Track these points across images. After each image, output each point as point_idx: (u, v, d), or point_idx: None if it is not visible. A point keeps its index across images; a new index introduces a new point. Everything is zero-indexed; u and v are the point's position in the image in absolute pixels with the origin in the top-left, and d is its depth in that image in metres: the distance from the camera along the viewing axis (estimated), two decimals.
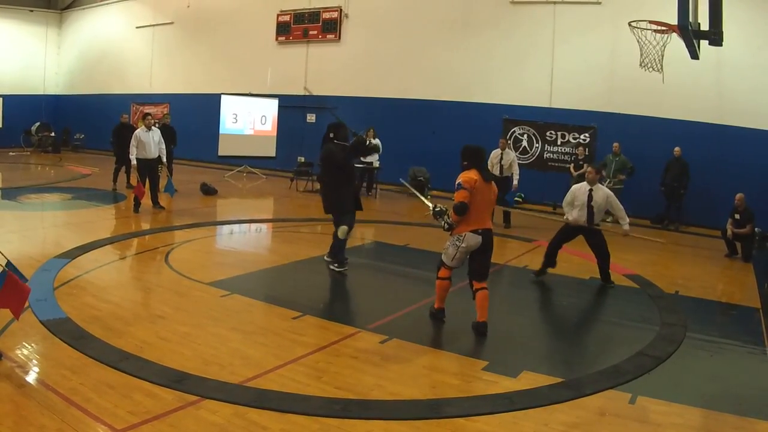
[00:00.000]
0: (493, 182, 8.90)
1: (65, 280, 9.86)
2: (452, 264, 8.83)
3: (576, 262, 13.53)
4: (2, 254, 6.21)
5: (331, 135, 11.58)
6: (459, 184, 8.52)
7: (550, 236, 12.97)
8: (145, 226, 15.03)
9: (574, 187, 12.03)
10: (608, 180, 19.06)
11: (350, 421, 5.88)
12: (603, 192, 11.48)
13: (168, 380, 6.43)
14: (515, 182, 17.73)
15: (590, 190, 11.47)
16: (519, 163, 18.20)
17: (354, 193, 11.91)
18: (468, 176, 8.53)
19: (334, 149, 11.30)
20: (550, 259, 11.94)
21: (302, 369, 7.01)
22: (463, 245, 8.60)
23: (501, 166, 17.32)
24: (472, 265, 8.83)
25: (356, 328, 8.49)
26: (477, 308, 8.63)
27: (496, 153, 17.68)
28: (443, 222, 8.70)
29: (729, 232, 15.02)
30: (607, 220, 14.71)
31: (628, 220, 11.76)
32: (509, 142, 20.88)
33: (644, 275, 12.50)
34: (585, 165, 17.61)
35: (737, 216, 15.01)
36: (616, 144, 19.48)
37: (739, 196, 15.17)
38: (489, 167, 17.03)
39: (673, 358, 8.08)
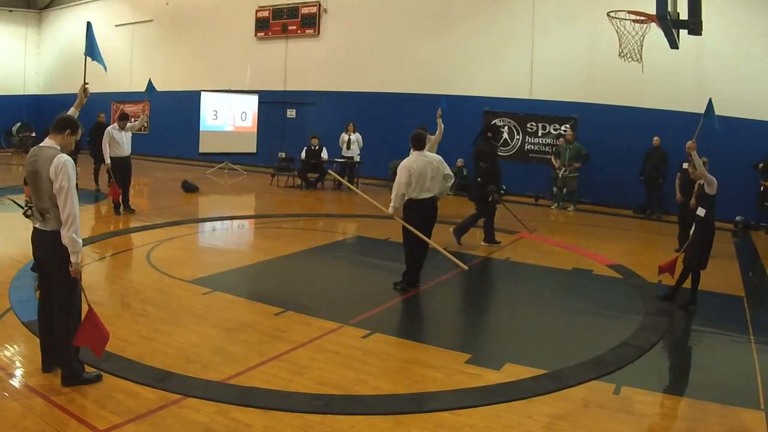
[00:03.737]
0: None
1: None
2: None
3: (558, 252, 13.56)
4: (85, 296, 6.22)
5: (489, 134, 13.74)
6: None
7: (532, 227, 13.05)
8: (127, 224, 14.96)
9: None
10: (563, 168, 19.20)
11: (333, 416, 5.88)
12: None
13: (150, 379, 6.42)
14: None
15: None
16: (501, 155, 18.16)
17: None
18: None
19: (483, 148, 13.45)
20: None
21: (285, 365, 7.01)
22: None
23: None
24: None
25: (338, 323, 8.48)
26: None
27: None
28: None
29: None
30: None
31: None
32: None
33: (626, 265, 12.54)
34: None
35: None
36: (569, 132, 19.64)
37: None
38: None
39: (656, 347, 8.13)
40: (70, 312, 6.14)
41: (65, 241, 5.87)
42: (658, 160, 18.75)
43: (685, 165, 13.30)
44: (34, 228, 6.17)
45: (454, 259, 10.31)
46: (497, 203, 13.78)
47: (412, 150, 10.19)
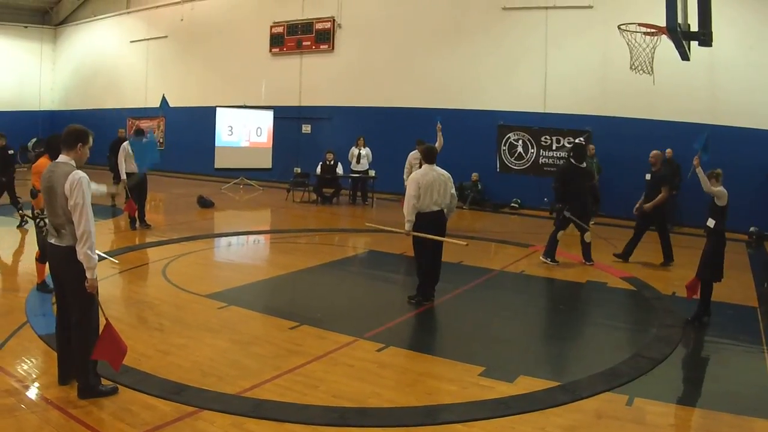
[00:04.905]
0: None
1: None
2: None
3: (572, 266, 13.57)
4: (102, 310, 6.28)
5: (571, 155, 13.80)
6: None
7: (546, 241, 13.08)
8: (143, 239, 15.05)
9: None
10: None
11: (347, 429, 5.94)
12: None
13: (166, 392, 6.47)
14: None
15: None
16: (515, 169, 18.16)
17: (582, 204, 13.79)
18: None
19: (564, 166, 14.09)
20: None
21: (299, 378, 7.04)
22: None
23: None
24: None
25: (353, 337, 8.50)
26: None
27: (414, 154, 17.71)
28: None
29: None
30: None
31: None
32: None
33: (641, 277, 12.52)
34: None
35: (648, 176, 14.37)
36: (591, 147, 19.64)
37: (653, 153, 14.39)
38: (407, 168, 17.28)
39: (670, 359, 8.12)
40: (87, 326, 6.20)
41: (80, 257, 5.94)
42: (672, 172, 18.65)
43: (647, 176, 13.61)
44: (50, 244, 6.23)
45: (453, 240, 10.28)
46: (563, 222, 13.75)
47: (423, 164, 10.26)
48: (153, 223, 16.72)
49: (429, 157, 10.19)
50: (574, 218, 13.47)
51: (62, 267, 6.18)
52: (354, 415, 6.21)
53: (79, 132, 6.33)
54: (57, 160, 6.22)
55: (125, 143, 16.29)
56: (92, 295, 6.14)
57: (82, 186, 5.93)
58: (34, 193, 10.06)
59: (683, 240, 17.01)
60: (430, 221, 9.97)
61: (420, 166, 16.61)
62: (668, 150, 18.71)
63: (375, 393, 6.73)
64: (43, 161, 9.82)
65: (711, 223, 9.67)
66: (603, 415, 6.36)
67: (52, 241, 6.18)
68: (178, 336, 8.35)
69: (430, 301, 10.26)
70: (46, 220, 9.18)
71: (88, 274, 5.99)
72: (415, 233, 10.01)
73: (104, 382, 6.38)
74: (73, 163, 6.16)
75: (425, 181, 9.86)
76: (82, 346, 6.16)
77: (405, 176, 17.49)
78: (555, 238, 13.62)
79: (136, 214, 16.00)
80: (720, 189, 9.69)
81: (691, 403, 6.82)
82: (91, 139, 6.41)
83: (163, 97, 17.40)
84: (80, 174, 6.01)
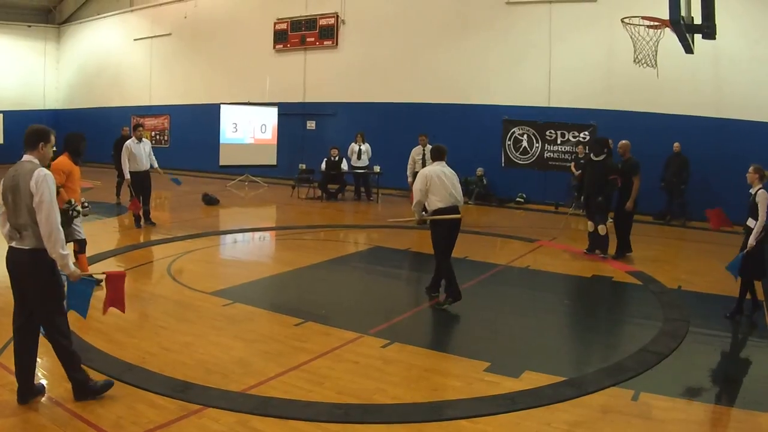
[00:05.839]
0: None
1: None
2: None
3: (578, 260, 13.55)
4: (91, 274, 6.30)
5: (606, 150, 13.72)
6: None
7: (552, 235, 13.04)
8: (148, 237, 15.07)
9: None
10: None
11: (352, 425, 5.93)
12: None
13: (171, 390, 6.47)
14: None
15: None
16: (521, 163, 18.11)
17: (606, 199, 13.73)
18: None
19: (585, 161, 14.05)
20: None
21: (304, 375, 7.05)
22: None
23: (424, 163, 17.21)
24: None
25: (358, 333, 8.51)
26: None
27: (417, 149, 17.71)
28: None
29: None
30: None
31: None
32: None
33: (647, 271, 12.47)
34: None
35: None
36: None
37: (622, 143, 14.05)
38: (411, 164, 17.29)
39: (675, 353, 8.08)
40: (60, 332, 6.06)
41: (54, 256, 5.80)
42: (679, 165, 18.62)
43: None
44: (9, 247, 5.99)
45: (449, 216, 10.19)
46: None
47: (431, 161, 10.26)
48: (158, 220, 16.73)
49: (437, 154, 10.16)
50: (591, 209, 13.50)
51: (25, 271, 5.92)
52: (359, 412, 6.21)
53: (41, 131, 6.20)
54: (21, 160, 6.08)
55: (127, 142, 16.22)
56: (57, 299, 6.03)
57: (47, 182, 5.82)
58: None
59: (691, 234, 16.99)
60: (447, 221, 9.90)
61: (423, 162, 16.69)
62: (675, 144, 18.67)
63: (380, 389, 6.73)
64: (63, 159, 9.91)
65: (752, 223, 9.55)
66: (609, 410, 6.35)
67: (13, 244, 5.96)
68: (183, 334, 8.36)
69: (436, 297, 10.24)
70: (78, 209, 9.28)
71: (65, 270, 5.98)
72: (432, 217, 9.88)
73: (100, 377, 6.37)
74: (36, 161, 6.05)
75: (434, 174, 9.81)
76: (60, 354, 6.08)
77: (408, 172, 17.49)
78: (599, 234, 13.53)
79: (140, 212, 15.97)
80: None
81: (698, 398, 6.79)
82: (53, 138, 6.26)
83: (175, 178, 17.29)
84: (45, 171, 5.92)
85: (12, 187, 5.91)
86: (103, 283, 6.80)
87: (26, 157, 6.07)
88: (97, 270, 10.76)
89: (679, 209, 19.02)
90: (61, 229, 5.86)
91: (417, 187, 9.89)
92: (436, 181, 9.76)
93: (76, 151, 10.11)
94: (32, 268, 5.87)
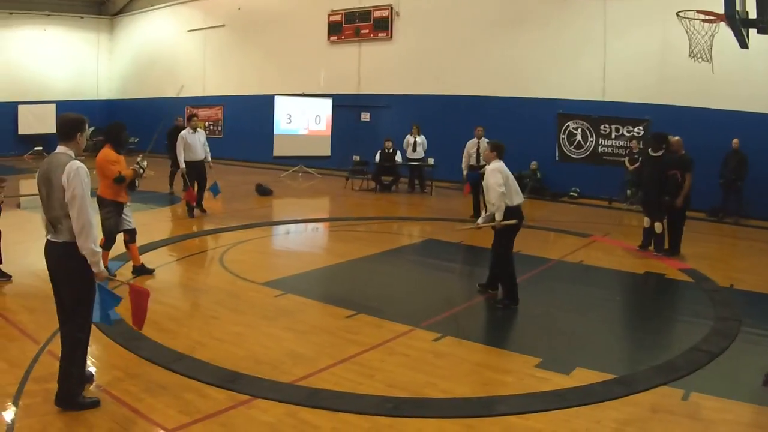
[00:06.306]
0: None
1: (119, 281, 9.96)
2: None
3: (631, 256, 13.36)
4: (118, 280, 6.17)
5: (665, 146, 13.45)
6: None
7: (605, 230, 12.87)
8: (200, 227, 15.13)
9: None
10: None
11: (402, 419, 5.86)
12: None
13: (220, 380, 6.47)
14: None
15: None
16: (575, 158, 17.90)
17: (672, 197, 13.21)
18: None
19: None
20: None
21: (355, 368, 7.00)
22: None
23: (478, 156, 17.00)
24: None
25: (410, 326, 8.43)
26: None
27: (472, 142, 17.44)
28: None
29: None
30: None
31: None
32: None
33: (699, 269, 12.19)
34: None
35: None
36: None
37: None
38: (465, 157, 17.07)
39: (726, 353, 7.87)
40: (80, 328, 5.88)
41: (84, 252, 5.62)
42: (738, 162, 18.27)
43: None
44: (47, 240, 5.86)
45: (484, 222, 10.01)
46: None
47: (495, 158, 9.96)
48: (211, 210, 16.83)
49: (500, 151, 9.90)
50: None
51: (60, 264, 5.78)
52: (409, 406, 6.14)
53: (78, 120, 5.95)
54: (55, 152, 5.86)
55: (183, 132, 16.35)
56: (90, 294, 5.88)
57: (80, 176, 5.60)
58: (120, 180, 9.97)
59: (745, 231, 16.71)
60: (518, 214, 9.66)
61: (477, 155, 16.51)
62: (735, 140, 18.31)
63: (430, 383, 6.65)
64: (107, 151, 9.91)
65: None
66: (658, 410, 6.21)
67: (49, 237, 5.82)
68: (234, 324, 8.36)
69: (486, 293, 10.11)
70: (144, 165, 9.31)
71: (94, 269, 5.72)
72: (507, 222, 9.61)
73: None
74: (71, 153, 5.82)
75: (506, 169, 9.61)
76: (70, 348, 5.84)
77: (463, 165, 17.33)
78: (655, 231, 13.35)
79: (194, 202, 16.04)
80: None
81: (748, 400, 6.56)
82: (87, 127, 6.04)
83: (214, 183, 17.17)
84: (78, 164, 5.68)
85: (45, 180, 5.73)
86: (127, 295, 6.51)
87: (60, 149, 5.84)
88: (149, 260, 10.83)
89: (734, 206, 18.67)
90: (94, 224, 5.72)
91: (497, 182, 9.34)
92: (510, 176, 9.58)
93: (118, 141, 10.11)
94: (66, 262, 5.72)
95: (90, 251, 5.61)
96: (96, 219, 5.88)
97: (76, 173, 5.58)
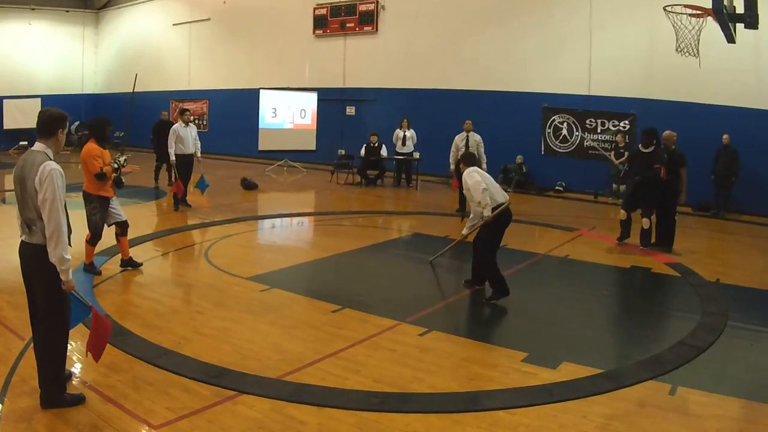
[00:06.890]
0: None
1: (105, 276, 9.95)
2: None
3: (617, 250, 13.40)
4: (85, 300, 5.95)
5: (656, 141, 13.59)
6: None
7: (591, 224, 12.88)
8: (185, 222, 15.09)
9: None
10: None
11: (388, 414, 5.85)
12: None
13: (206, 375, 6.45)
14: (483, 166, 16.38)
15: None
16: (560, 152, 17.92)
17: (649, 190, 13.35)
18: None
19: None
20: None
21: (341, 362, 6.99)
22: None
23: (467, 149, 16.78)
24: None
25: (395, 320, 8.43)
26: None
27: (461, 136, 17.42)
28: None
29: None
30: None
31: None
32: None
33: (685, 263, 12.24)
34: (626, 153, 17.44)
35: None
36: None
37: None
38: (454, 151, 17.05)
39: (713, 347, 7.90)
40: (57, 330, 5.72)
41: (53, 260, 5.41)
42: (729, 158, 18.29)
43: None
44: (21, 240, 5.66)
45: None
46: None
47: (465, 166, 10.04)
48: (196, 204, 16.81)
49: (471, 161, 10.04)
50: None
51: (32, 266, 5.61)
52: (395, 401, 6.14)
53: (60, 116, 5.77)
54: (32, 148, 5.66)
55: (175, 126, 16.56)
56: (63, 296, 5.66)
57: (52, 179, 5.38)
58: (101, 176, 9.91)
59: (732, 226, 16.78)
60: (505, 211, 9.69)
61: (466, 149, 16.51)
62: (725, 136, 18.32)
63: (417, 378, 6.66)
64: (91, 145, 9.88)
65: None
66: (645, 404, 6.23)
67: (23, 237, 5.62)
68: (220, 319, 8.34)
69: (473, 287, 10.12)
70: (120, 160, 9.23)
71: (62, 277, 5.49)
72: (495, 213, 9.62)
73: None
74: (49, 152, 5.63)
75: (484, 173, 9.71)
76: (47, 350, 5.70)
77: (451, 159, 17.31)
78: (643, 227, 13.38)
79: (181, 195, 16.01)
80: None
81: (735, 394, 6.57)
82: (68, 124, 5.88)
83: (201, 178, 17.02)
84: (52, 165, 5.46)
85: (20, 179, 5.54)
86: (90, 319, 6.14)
87: (39, 146, 5.65)
88: (135, 255, 10.82)
89: (723, 202, 18.71)
90: (65, 230, 5.50)
91: (476, 180, 9.45)
92: (489, 177, 9.67)
93: (102, 136, 10.06)
94: (38, 264, 5.53)
95: (59, 259, 5.42)
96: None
97: (48, 176, 5.39)
